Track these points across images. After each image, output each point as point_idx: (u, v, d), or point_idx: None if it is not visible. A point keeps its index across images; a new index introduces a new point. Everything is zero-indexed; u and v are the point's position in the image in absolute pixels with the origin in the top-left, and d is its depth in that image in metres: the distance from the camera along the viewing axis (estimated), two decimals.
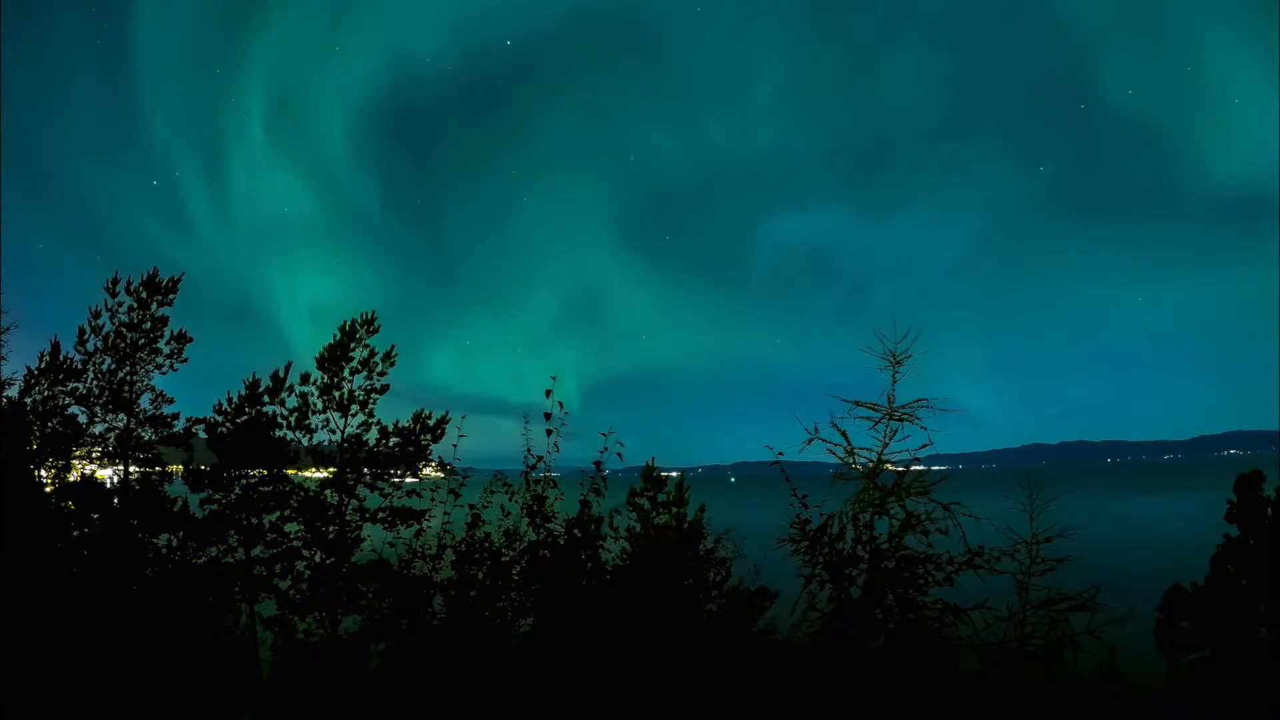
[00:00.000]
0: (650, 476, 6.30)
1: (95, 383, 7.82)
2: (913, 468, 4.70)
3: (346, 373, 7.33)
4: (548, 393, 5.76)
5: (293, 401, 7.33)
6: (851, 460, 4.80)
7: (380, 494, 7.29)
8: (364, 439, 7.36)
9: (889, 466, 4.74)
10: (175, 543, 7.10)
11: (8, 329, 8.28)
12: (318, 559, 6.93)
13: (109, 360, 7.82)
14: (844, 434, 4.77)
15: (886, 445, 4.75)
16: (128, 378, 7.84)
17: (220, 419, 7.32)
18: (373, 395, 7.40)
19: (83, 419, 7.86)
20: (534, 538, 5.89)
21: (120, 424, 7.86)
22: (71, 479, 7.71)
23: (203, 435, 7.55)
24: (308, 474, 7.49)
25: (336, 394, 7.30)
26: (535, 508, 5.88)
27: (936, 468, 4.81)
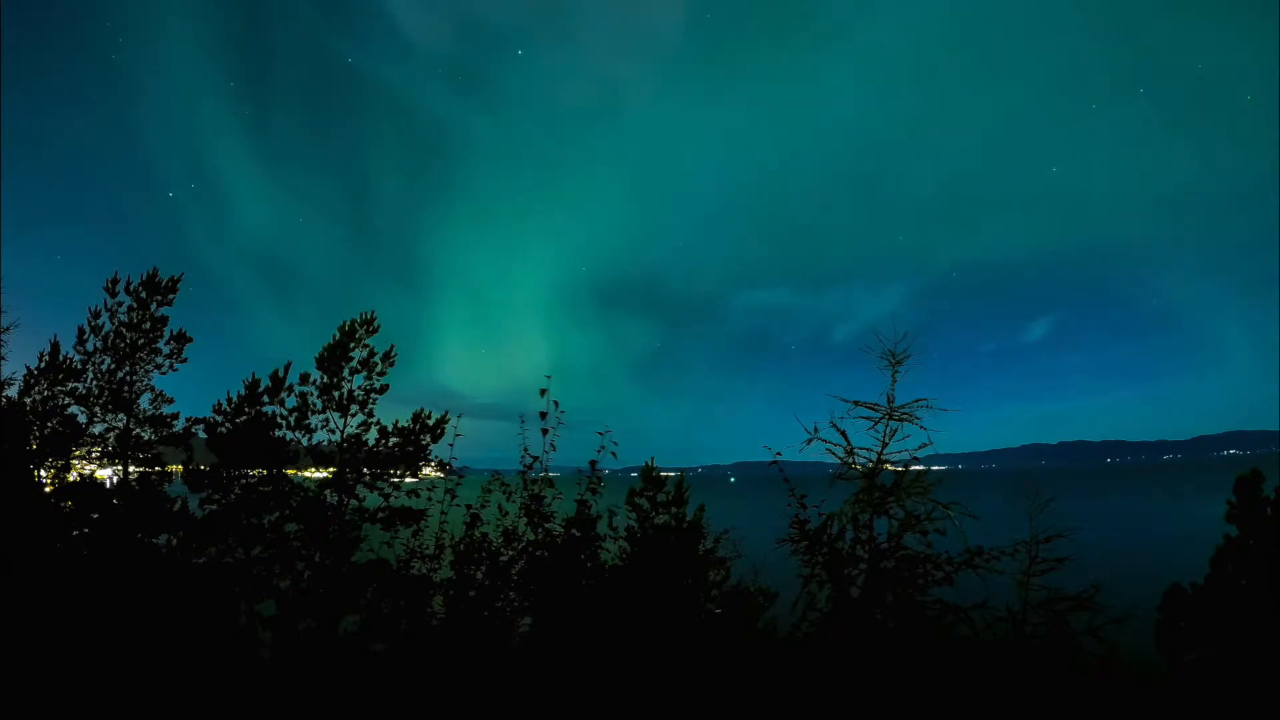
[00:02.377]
0: (650, 476, 6.28)
1: (95, 383, 7.81)
2: (912, 468, 4.70)
3: (346, 373, 7.31)
4: (543, 391, 5.75)
5: (292, 401, 7.31)
6: (851, 460, 4.80)
7: (379, 494, 7.27)
8: (363, 439, 7.34)
9: (888, 466, 4.73)
10: (175, 543, 7.08)
11: (8, 329, 8.29)
12: (317, 559, 6.92)
13: (108, 360, 7.81)
14: (843, 434, 4.76)
15: (886, 445, 4.75)
16: (127, 378, 7.83)
17: (220, 419, 7.29)
18: (372, 395, 7.38)
19: (82, 419, 7.85)
20: (532, 537, 5.88)
21: (120, 424, 7.85)
22: (71, 479, 7.69)
23: (202, 435, 7.53)
24: (307, 474, 7.46)
25: (336, 394, 7.28)
26: (533, 507, 5.87)
27: (936, 468, 4.81)
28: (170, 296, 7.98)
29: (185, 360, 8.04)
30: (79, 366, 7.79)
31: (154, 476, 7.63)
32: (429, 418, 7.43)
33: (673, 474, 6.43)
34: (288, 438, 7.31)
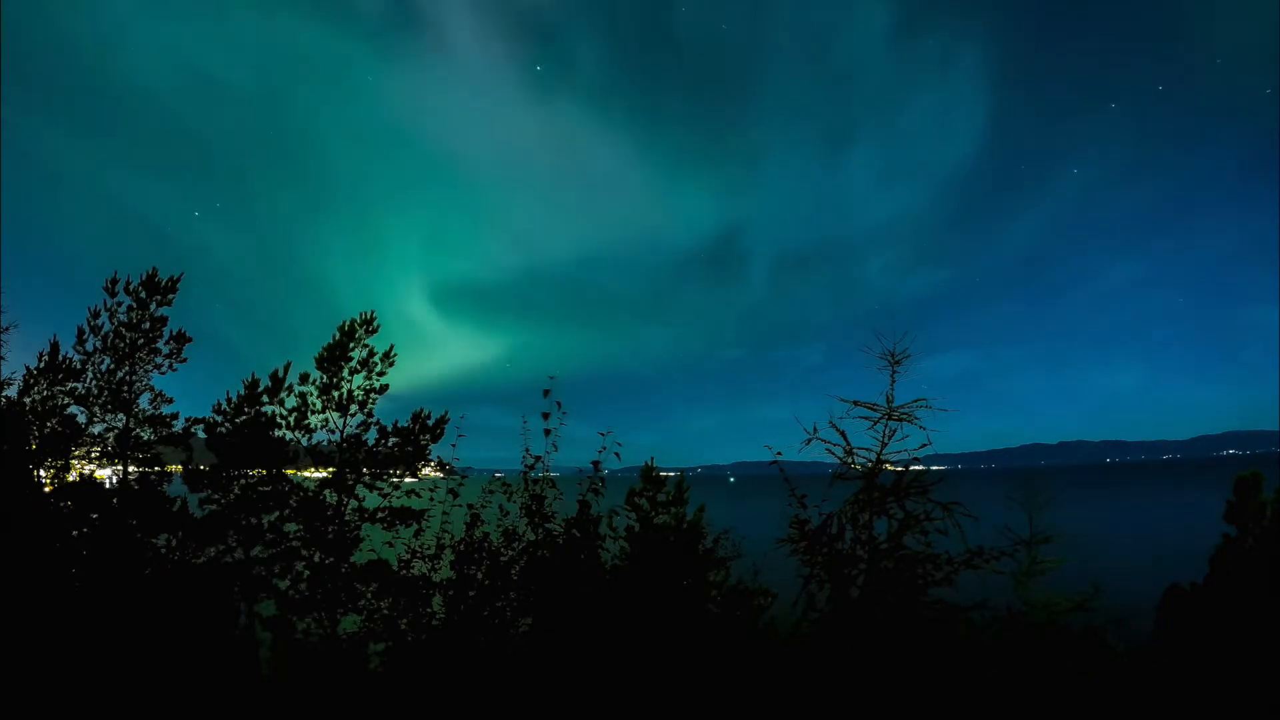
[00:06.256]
0: (650, 476, 6.29)
1: (94, 383, 7.80)
2: (912, 467, 4.70)
3: (346, 372, 7.32)
4: (546, 392, 5.76)
5: (292, 401, 7.31)
6: (850, 460, 4.80)
7: (379, 494, 7.27)
8: (363, 439, 7.34)
9: (888, 466, 4.74)
10: (174, 543, 7.08)
11: (8, 329, 8.29)
12: (317, 559, 6.92)
13: (108, 360, 7.80)
14: (843, 434, 4.76)
15: (885, 445, 4.75)
16: (127, 378, 7.82)
17: (219, 419, 7.30)
18: (372, 395, 7.39)
19: (82, 419, 7.84)
20: (533, 538, 5.88)
21: (119, 424, 7.84)
22: (71, 479, 7.68)
23: (202, 435, 7.53)
24: (307, 474, 7.47)
25: (335, 394, 7.29)
26: (534, 508, 5.87)
27: (936, 468, 4.81)
28: (170, 296, 7.97)
29: (185, 360, 8.03)
30: (78, 366, 7.78)
31: (154, 476, 7.62)
32: (428, 417, 7.43)
33: (672, 474, 6.43)
34: (287, 438, 7.32)
